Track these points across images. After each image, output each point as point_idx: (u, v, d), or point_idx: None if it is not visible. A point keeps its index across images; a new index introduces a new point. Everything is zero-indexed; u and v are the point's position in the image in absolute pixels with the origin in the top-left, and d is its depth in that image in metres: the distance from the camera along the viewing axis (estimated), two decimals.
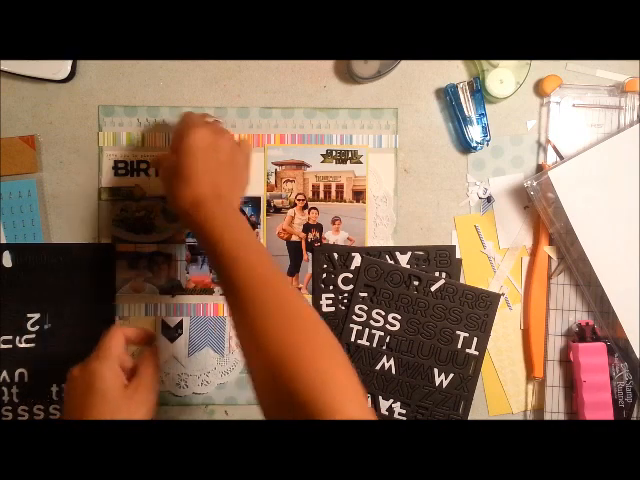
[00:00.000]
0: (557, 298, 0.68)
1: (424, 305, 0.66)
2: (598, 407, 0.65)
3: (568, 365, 0.67)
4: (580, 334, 0.66)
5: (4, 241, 0.67)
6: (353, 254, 0.67)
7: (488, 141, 0.67)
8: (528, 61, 0.66)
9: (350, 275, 0.67)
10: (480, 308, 0.66)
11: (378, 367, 0.66)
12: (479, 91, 0.66)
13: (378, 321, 0.66)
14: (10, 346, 0.66)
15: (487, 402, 0.68)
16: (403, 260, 0.67)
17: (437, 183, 0.69)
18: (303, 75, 0.69)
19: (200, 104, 0.68)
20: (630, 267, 0.64)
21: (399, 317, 0.66)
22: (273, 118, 0.68)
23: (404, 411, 0.66)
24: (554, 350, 0.68)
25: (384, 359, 0.66)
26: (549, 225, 0.66)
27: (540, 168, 0.68)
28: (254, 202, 0.68)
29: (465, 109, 0.67)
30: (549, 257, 0.67)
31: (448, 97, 0.67)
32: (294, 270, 0.68)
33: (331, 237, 0.69)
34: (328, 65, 0.69)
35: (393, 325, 0.66)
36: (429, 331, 0.66)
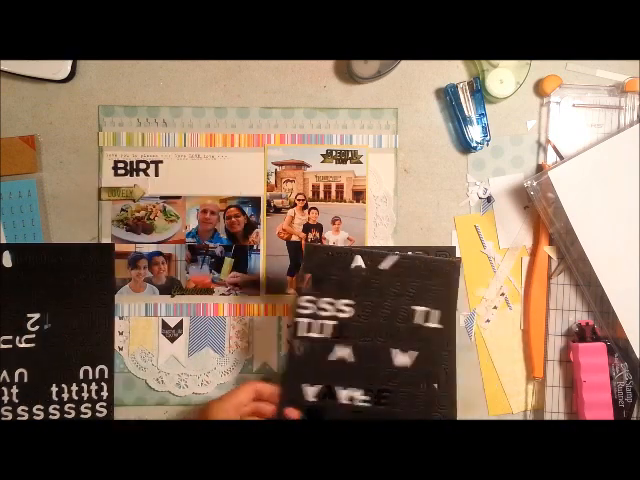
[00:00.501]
0: (557, 298, 0.68)
1: (377, 285, 0.62)
2: (598, 407, 0.64)
3: (568, 365, 0.67)
4: (580, 334, 0.66)
5: (4, 241, 0.67)
6: (354, 254, 0.67)
7: (488, 141, 0.67)
8: (528, 61, 0.66)
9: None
10: (439, 277, 0.62)
11: (334, 358, 0.62)
12: (479, 91, 0.66)
13: (326, 310, 0.62)
14: (10, 346, 0.66)
15: (487, 402, 0.68)
16: None
17: (437, 183, 0.69)
18: (303, 75, 0.69)
19: (200, 104, 0.68)
20: (630, 267, 0.64)
21: (351, 302, 0.62)
22: (273, 118, 0.68)
23: (367, 397, 0.62)
24: (554, 350, 0.68)
25: (337, 348, 0.62)
26: (549, 225, 0.66)
27: (540, 168, 0.68)
28: (254, 202, 0.69)
29: (465, 109, 0.67)
30: (549, 257, 0.67)
31: (448, 97, 0.67)
32: (294, 270, 0.68)
33: (331, 237, 0.69)
34: (328, 65, 0.69)
35: (344, 312, 0.62)
36: (385, 311, 0.62)
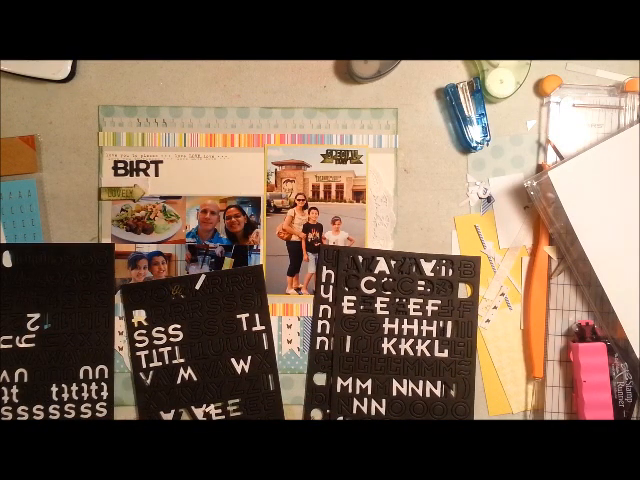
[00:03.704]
0: (557, 298, 0.68)
1: (197, 305, 0.67)
2: (598, 407, 0.64)
3: (568, 365, 0.67)
4: (580, 334, 0.66)
5: (4, 241, 0.67)
6: (378, 258, 0.67)
7: (488, 141, 0.67)
8: (528, 61, 0.66)
9: (373, 279, 0.67)
10: (249, 285, 0.67)
11: (179, 381, 0.66)
12: (479, 91, 0.66)
13: (161, 339, 0.67)
14: (10, 346, 0.66)
15: (487, 402, 0.68)
16: (427, 268, 0.67)
17: (437, 183, 0.69)
18: (303, 75, 0.69)
19: (200, 104, 0.68)
20: (630, 267, 0.64)
21: (179, 326, 0.67)
22: (273, 118, 0.68)
23: (219, 411, 0.66)
24: (554, 350, 0.68)
25: (181, 371, 0.66)
26: (549, 225, 0.66)
27: (540, 168, 0.68)
28: (254, 202, 0.69)
29: (465, 109, 0.67)
30: (549, 257, 0.67)
31: (448, 97, 0.67)
32: (294, 270, 0.68)
33: (331, 237, 0.69)
34: (328, 65, 0.69)
35: (176, 336, 0.67)
36: (212, 327, 0.67)
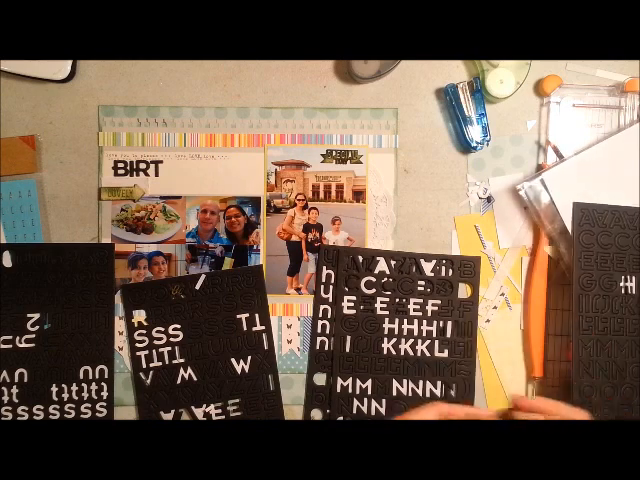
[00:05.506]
0: (557, 298, 0.68)
1: (197, 305, 0.67)
2: None
3: (568, 365, 0.67)
4: None
5: (4, 241, 0.67)
6: (378, 258, 0.67)
7: (488, 141, 0.67)
8: (528, 61, 0.66)
9: (373, 279, 0.67)
10: (249, 285, 0.67)
11: (179, 381, 0.66)
12: (479, 91, 0.66)
13: (161, 339, 0.67)
14: (10, 346, 0.66)
15: (487, 401, 0.68)
16: (427, 268, 0.67)
17: (437, 183, 0.69)
18: (303, 75, 0.69)
19: (200, 104, 0.68)
20: None
21: (179, 326, 0.67)
22: (273, 118, 0.68)
23: (219, 411, 0.66)
24: (554, 350, 0.68)
25: (181, 371, 0.66)
26: (544, 227, 0.66)
27: (540, 168, 0.68)
28: (254, 202, 0.69)
29: (465, 109, 0.67)
30: (549, 257, 0.67)
31: (448, 97, 0.67)
32: (294, 270, 0.68)
33: (331, 237, 0.69)
34: (328, 65, 0.69)
35: (176, 336, 0.67)
36: (212, 327, 0.67)
